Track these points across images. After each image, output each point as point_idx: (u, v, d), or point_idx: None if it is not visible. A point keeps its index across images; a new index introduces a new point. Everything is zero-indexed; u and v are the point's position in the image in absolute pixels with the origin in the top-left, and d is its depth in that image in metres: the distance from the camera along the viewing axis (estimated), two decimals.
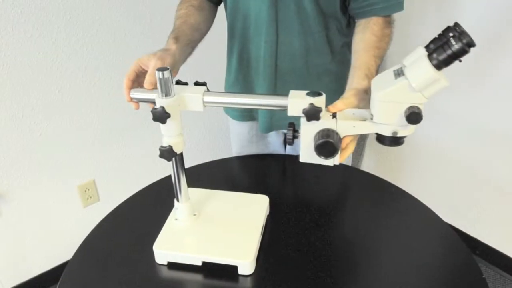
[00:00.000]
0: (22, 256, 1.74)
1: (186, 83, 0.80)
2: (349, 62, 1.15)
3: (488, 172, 1.77)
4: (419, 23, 1.74)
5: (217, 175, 1.19)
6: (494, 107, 1.66)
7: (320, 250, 0.87)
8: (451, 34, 0.63)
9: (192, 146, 2.06)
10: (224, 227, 0.89)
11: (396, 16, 0.99)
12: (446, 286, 0.80)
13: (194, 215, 0.91)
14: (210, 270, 0.82)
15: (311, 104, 0.72)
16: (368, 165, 2.24)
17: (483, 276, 0.80)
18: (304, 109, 0.73)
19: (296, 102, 0.74)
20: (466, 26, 0.64)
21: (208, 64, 1.48)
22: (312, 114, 0.73)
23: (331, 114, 0.77)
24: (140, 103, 0.84)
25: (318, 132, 0.75)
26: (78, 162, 1.72)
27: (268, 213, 0.95)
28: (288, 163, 1.24)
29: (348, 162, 1.30)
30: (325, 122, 0.75)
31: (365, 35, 0.95)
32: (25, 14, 1.41)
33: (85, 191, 1.77)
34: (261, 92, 1.12)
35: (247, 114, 1.24)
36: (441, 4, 1.68)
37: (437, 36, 0.66)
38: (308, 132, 0.76)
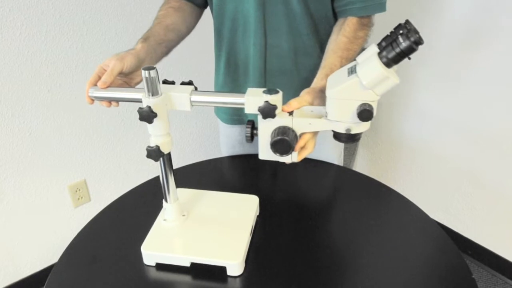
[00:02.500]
0: (12, 256, 1.72)
1: (173, 82, 0.79)
2: None
3: (480, 172, 1.77)
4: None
5: (208, 175, 1.18)
6: (486, 108, 1.66)
7: (310, 251, 0.87)
8: (400, 32, 0.63)
9: (183, 146, 2.05)
10: (213, 228, 0.88)
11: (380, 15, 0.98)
12: (436, 286, 0.80)
13: (183, 215, 0.90)
14: (198, 271, 0.82)
15: (266, 101, 0.72)
16: (361, 165, 2.24)
17: (473, 276, 0.79)
18: (259, 107, 0.73)
19: (252, 99, 0.74)
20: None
21: (197, 65, 1.47)
22: (268, 112, 0.73)
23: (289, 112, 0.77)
24: (128, 103, 0.83)
25: (275, 130, 0.75)
26: (69, 162, 1.71)
27: (258, 214, 0.95)
28: (279, 164, 1.23)
29: (340, 162, 1.30)
30: (281, 119, 0.75)
31: (337, 36, 0.95)
32: (14, 12, 1.39)
33: (76, 191, 1.76)
34: None
35: (236, 118, 1.23)
36: (421, 3, 1.69)
37: (388, 33, 0.66)
38: (266, 129, 0.76)
